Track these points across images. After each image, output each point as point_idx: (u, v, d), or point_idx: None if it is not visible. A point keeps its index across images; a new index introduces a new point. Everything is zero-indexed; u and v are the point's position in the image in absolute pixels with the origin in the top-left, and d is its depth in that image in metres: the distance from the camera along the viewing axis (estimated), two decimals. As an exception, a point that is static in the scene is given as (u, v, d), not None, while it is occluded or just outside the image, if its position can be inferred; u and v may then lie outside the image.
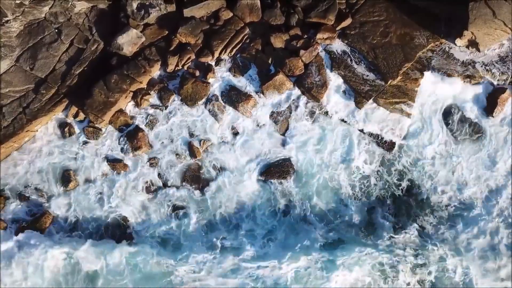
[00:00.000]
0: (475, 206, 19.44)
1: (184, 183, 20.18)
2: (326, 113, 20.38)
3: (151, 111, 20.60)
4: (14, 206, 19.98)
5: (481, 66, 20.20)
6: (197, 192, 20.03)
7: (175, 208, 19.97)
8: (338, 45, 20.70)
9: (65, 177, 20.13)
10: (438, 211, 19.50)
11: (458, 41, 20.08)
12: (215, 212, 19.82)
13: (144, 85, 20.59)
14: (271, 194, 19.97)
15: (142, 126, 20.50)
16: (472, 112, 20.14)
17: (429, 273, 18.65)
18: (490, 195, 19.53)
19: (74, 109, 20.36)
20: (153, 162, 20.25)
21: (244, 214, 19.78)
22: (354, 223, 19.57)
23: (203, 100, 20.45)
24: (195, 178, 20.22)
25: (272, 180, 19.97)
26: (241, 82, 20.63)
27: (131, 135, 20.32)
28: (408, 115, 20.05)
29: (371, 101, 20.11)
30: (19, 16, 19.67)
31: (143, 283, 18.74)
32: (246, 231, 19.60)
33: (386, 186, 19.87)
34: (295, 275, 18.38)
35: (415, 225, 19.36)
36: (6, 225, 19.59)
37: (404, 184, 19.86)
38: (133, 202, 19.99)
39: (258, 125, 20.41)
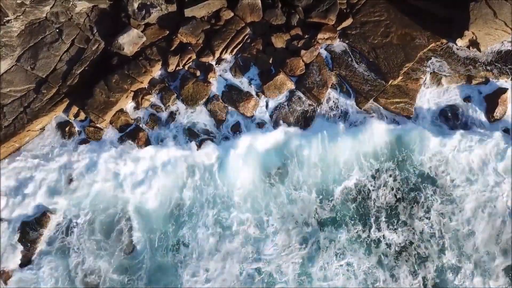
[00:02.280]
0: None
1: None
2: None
3: (152, 111, 20.60)
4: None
5: (482, 66, 20.23)
6: None
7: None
8: (339, 45, 20.76)
9: (66, 177, 20.12)
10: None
11: (459, 41, 20.09)
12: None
13: (145, 85, 20.60)
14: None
15: (143, 126, 20.49)
16: (473, 112, 20.16)
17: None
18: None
19: (75, 109, 20.35)
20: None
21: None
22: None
23: (204, 100, 20.45)
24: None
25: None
26: (242, 82, 20.65)
27: (132, 135, 20.31)
28: (409, 115, 20.10)
29: (371, 101, 20.16)
30: (20, 15, 19.67)
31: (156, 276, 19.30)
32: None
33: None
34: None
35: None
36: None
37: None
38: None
39: (258, 125, 20.41)
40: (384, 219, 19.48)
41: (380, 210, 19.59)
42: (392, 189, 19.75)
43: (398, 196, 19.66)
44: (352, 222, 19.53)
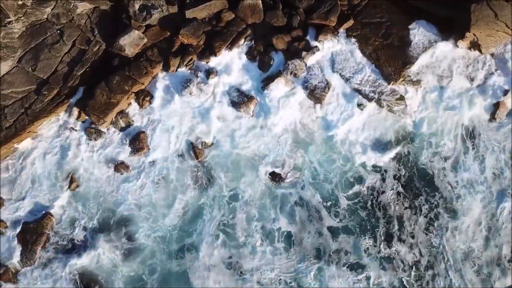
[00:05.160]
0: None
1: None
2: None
3: (153, 111, 20.57)
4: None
5: (483, 68, 20.21)
6: None
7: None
8: (340, 47, 20.69)
9: (68, 178, 20.11)
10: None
11: (460, 43, 20.08)
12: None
13: (146, 86, 20.56)
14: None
15: (144, 126, 20.46)
16: (475, 112, 20.23)
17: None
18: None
19: (76, 110, 20.33)
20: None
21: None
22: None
23: (205, 101, 20.41)
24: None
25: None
26: (243, 83, 20.61)
27: (133, 136, 20.30)
28: (410, 116, 20.11)
29: (373, 102, 20.17)
30: (21, 17, 19.65)
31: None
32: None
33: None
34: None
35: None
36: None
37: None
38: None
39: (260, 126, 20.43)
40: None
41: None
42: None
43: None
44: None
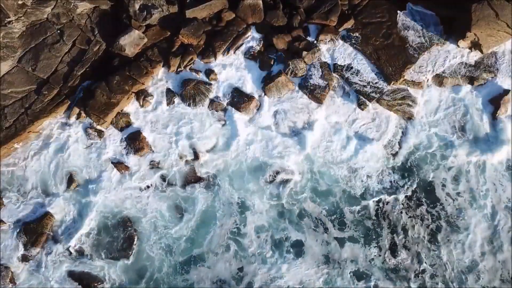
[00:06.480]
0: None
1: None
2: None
3: (153, 112, 20.55)
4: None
5: (485, 68, 20.17)
6: None
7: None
8: (340, 47, 20.66)
9: (68, 178, 20.10)
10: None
11: (461, 43, 20.03)
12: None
13: (146, 86, 20.54)
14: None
15: (144, 127, 20.44)
16: (476, 113, 20.11)
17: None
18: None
19: (76, 110, 20.31)
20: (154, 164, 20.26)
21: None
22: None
23: (206, 101, 20.42)
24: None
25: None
26: (244, 83, 20.58)
27: (133, 136, 20.28)
28: (411, 117, 20.06)
29: (373, 102, 20.13)
30: (21, 17, 19.65)
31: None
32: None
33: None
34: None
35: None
36: None
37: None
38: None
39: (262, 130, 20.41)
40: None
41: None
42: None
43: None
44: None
